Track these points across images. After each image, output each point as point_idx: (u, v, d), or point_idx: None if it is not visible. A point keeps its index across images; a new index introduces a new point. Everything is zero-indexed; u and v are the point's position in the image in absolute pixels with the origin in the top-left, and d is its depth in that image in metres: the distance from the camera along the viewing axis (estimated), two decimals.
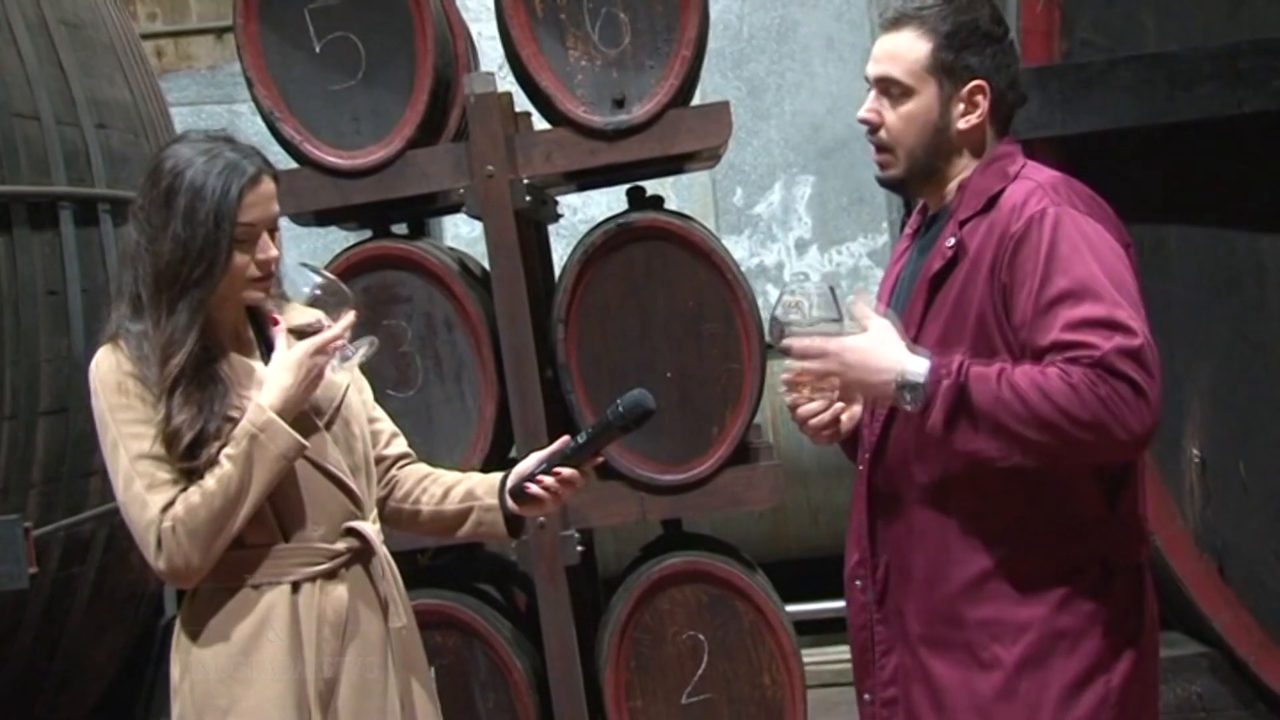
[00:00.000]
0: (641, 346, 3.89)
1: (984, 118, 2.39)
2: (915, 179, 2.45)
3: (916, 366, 2.27)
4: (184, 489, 2.41)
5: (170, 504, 2.39)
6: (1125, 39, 3.51)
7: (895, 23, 2.41)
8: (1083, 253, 2.25)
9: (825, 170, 6.57)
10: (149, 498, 2.40)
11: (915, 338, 2.37)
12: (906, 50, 2.39)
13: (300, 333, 2.52)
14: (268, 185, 2.46)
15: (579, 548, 3.90)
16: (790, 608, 4.09)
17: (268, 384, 2.44)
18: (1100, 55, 3.49)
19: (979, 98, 2.38)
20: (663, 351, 3.89)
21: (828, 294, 2.39)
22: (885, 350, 2.31)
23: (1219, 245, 3.57)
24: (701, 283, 3.88)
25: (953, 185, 2.43)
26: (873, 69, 2.43)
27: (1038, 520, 2.33)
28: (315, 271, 2.53)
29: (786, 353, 2.40)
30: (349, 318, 2.49)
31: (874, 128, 2.43)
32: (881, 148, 2.43)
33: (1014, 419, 2.21)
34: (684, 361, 3.89)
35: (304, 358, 2.44)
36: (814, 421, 2.49)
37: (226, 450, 2.39)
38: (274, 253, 2.47)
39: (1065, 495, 2.33)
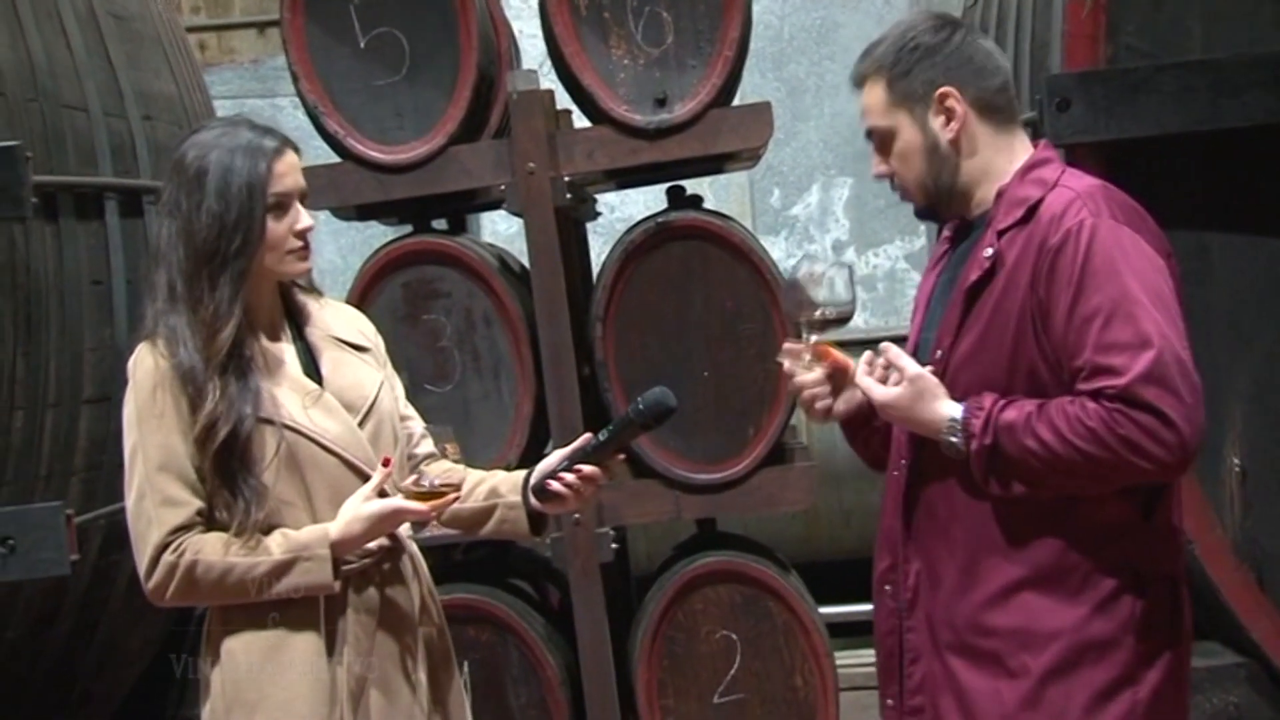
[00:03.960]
0: (679, 345, 3.90)
1: (965, 119, 2.40)
2: (941, 203, 2.47)
3: (952, 425, 2.31)
4: (198, 510, 2.41)
5: (179, 528, 2.40)
6: (1171, 45, 3.48)
7: (857, 82, 2.48)
8: (1118, 267, 2.25)
9: (863, 172, 6.53)
10: (156, 514, 2.40)
11: (952, 347, 2.38)
12: (872, 99, 2.45)
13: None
14: (292, 155, 2.50)
15: (613, 545, 3.91)
16: (821, 609, 4.09)
17: (343, 517, 2.45)
18: (1145, 61, 3.47)
19: (950, 103, 2.39)
20: (700, 351, 3.89)
21: (847, 276, 2.45)
22: (922, 409, 2.33)
23: (1262, 252, 3.54)
24: (740, 283, 3.89)
25: (984, 193, 2.43)
26: (863, 128, 2.49)
27: (1071, 529, 2.32)
28: (444, 450, 2.56)
29: (805, 325, 2.45)
30: (448, 500, 2.51)
31: (890, 179, 2.48)
32: (902, 191, 2.48)
33: (1042, 465, 2.25)
34: (721, 361, 3.89)
35: (386, 516, 2.45)
36: (808, 393, 2.50)
37: (273, 549, 2.41)
38: (309, 222, 2.50)
39: (1100, 505, 2.32)
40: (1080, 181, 2.38)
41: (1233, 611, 3.58)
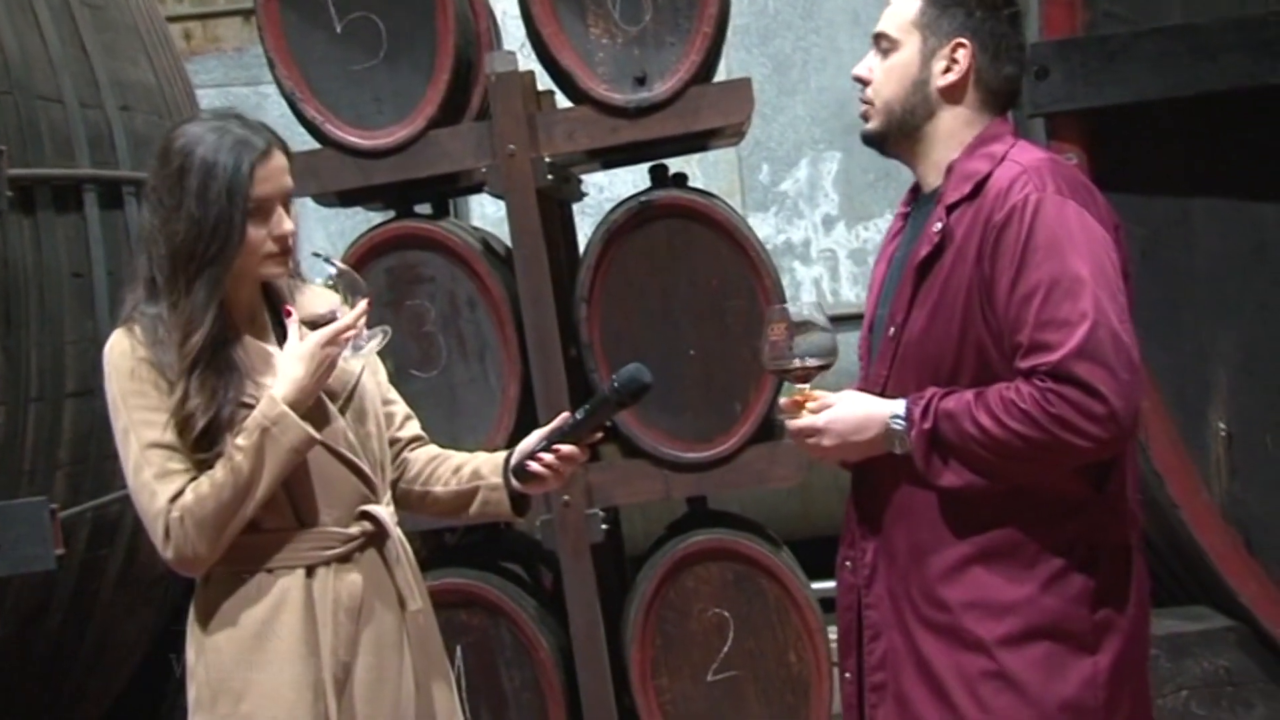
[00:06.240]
0: (665, 324, 3.88)
1: (964, 76, 2.40)
2: (893, 134, 2.45)
3: (896, 417, 2.33)
4: (194, 478, 2.41)
5: (179, 494, 2.40)
6: (1149, 11, 3.47)
7: None
8: (1061, 243, 2.24)
9: (852, 146, 6.50)
10: (158, 487, 2.41)
11: (904, 324, 2.38)
12: (900, 7, 2.45)
13: (313, 323, 2.51)
14: (279, 159, 2.46)
15: (603, 526, 3.91)
16: (819, 585, 4.09)
17: (280, 375, 2.44)
18: (1124, 27, 3.46)
19: (960, 54, 2.39)
20: (686, 329, 3.88)
21: (819, 316, 2.45)
22: (861, 412, 2.37)
23: (1245, 216, 3.54)
24: (724, 260, 3.87)
25: (938, 155, 2.42)
26: (876, 30, 2.48)
27: (1022, 503, 2.32)
28: (329, 261, 2.53)
29: (793, 379, 2.46)
30: (362, 307, 2.48)
31: (864, 84, 2.47)
32: (866, 100, 2.47)
33: (984, 450, 2.26)
34: (707, 339, 3.87)
35: (316, 349, 2.44)
36: (812, 441, 2.49)
37: (238, 441, 2.40)
38: (289, 226, 2.47)
39: (1051, 482, 2.32)
40: (1028, 155, 2.37)
41: (1222, 575, 3.58)
